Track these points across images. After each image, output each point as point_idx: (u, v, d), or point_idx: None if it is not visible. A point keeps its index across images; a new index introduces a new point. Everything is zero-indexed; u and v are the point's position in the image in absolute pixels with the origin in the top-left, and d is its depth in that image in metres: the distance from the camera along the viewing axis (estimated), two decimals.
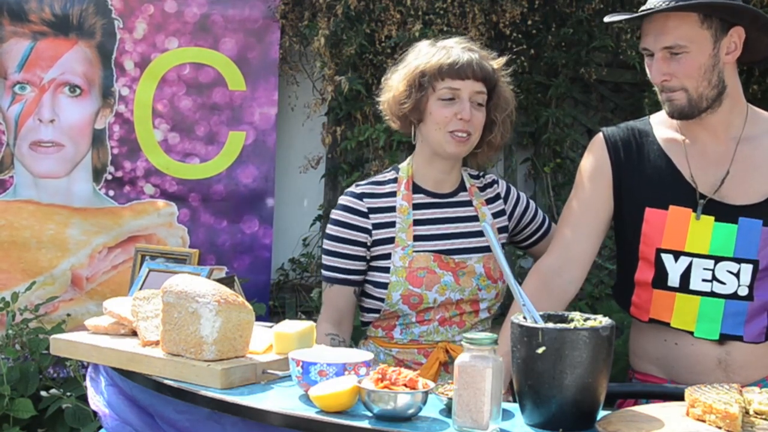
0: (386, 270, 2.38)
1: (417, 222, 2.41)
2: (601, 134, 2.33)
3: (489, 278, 2.41)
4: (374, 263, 2.41)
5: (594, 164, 2.30)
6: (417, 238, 2.39)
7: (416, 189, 2.44)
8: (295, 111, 4.14)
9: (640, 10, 2.14)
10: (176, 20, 3.95)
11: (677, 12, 2.09)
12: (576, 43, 4.06)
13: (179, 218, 4.00)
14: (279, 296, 4.12)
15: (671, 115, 2.20)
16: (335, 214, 2.44)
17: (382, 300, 2.39)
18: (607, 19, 2.24)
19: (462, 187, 2.49)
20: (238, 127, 4.00)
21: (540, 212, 2.61)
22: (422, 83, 2.34)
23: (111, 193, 3.97)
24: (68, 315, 3.90)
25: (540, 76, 4.11)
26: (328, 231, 2.44)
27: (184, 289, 1.95)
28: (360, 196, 2.42)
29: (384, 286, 2.38)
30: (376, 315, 2.43)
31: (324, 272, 2.45)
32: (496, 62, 2.42)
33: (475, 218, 2.46)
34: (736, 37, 2.14)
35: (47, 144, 3.93)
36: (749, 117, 2.23)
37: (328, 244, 2.43)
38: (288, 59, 4.07)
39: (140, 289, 3.05)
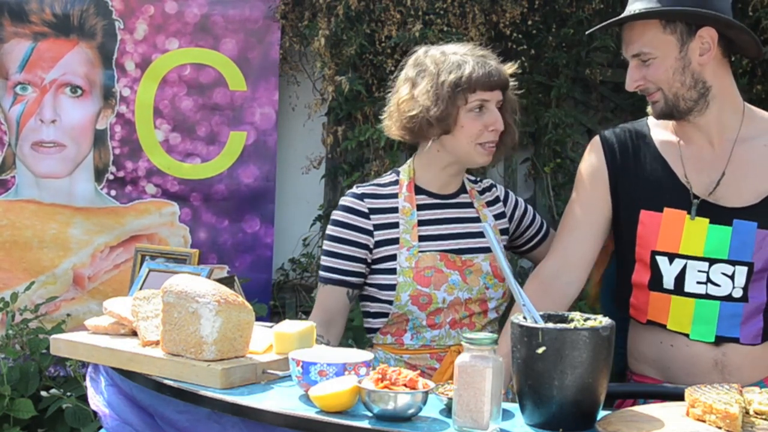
0: (392, 271, 2.36)
1: (421, 223, 2.40)
2: (597, 137, 2.34)
3: (496, 277, 2.40)
4: (379, 265, 2.39)
5: (591, 167, 2.31)
6: (422, 238, 2.38)
7: (418, 190, 2.43)
8: (296, 111, 4.14)
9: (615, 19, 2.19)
10: (177, 21, 3.95)
11: (638, 21, 2.13)
12: (576, 43, 4.05)
13: (181, 218, 4.01)
14: (279, 296, 4.12)
15: (656, 117, 2.22)
16: (336, 214, 2.42)
17: (390, 302, 2.36)
18: (589, 31, 2.35)
19: (463, 189, 2.49)
20: (239, 127, 4.00)
21: (538, 216, 2.61)
22: (454, 96, 2.29)
23: (113, 193, 3.98)
24: (68, 315, 3.91)
25: (540, 77, 4.11)
26: (328, 231, 2.42)
27: (184, 289, 1.95)
28: (361, 197, 2.41)
29: (391, 287, 2.36)
30: (384, 319, 2.39)
31: (321, 273, 2.44)
32: (508, 67, 2.41)
33: (477, 219, 2.45)
34: (708, 38, 2.12)
35: (49, 144, 3.94)
36: (746, 117, 2.22)
37: (327, 245, 2.42)
38: (288, 59, 4.07)
39: (140, 289, 3.06)
